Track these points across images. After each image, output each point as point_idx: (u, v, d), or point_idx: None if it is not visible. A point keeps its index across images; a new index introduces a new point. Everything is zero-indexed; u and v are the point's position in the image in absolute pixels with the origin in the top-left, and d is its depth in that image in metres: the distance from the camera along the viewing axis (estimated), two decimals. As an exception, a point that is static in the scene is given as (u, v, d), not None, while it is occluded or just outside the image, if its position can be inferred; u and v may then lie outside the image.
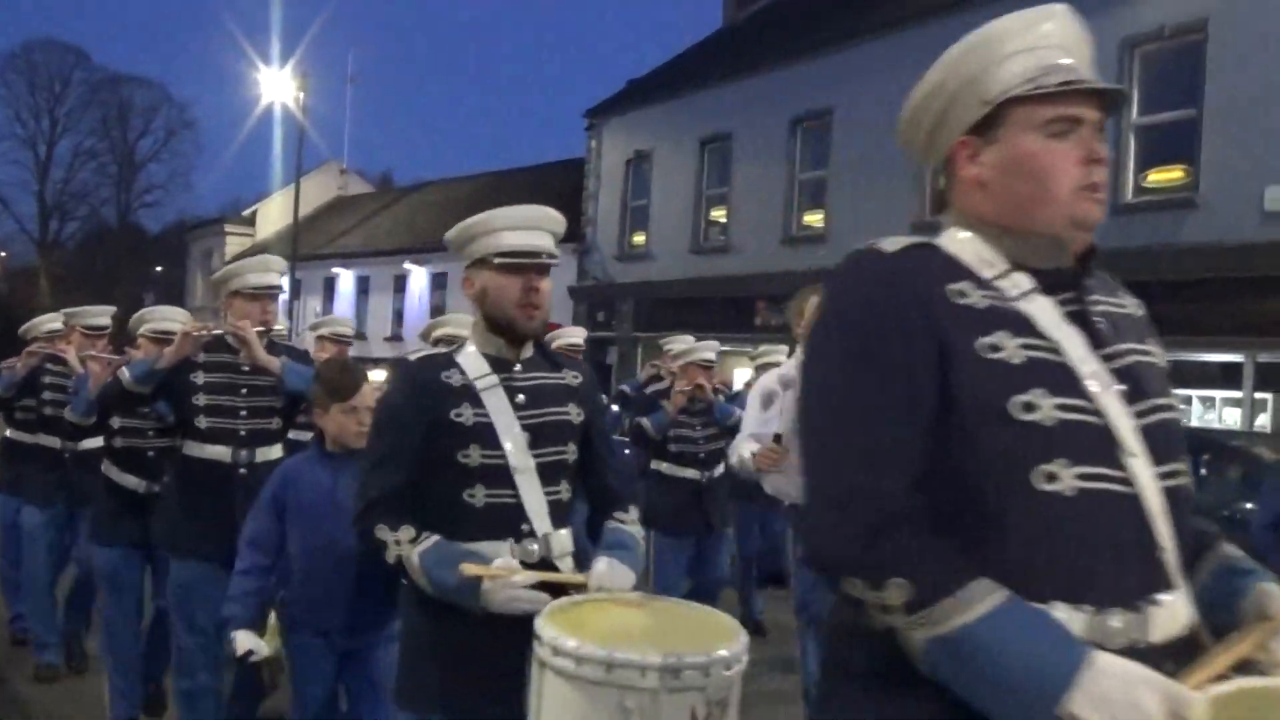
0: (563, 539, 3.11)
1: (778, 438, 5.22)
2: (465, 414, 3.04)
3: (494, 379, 3.12)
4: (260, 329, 5.07)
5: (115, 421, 5.72)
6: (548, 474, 3.10)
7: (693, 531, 7.46)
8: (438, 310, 33.10)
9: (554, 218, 3.27)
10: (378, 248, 37.31)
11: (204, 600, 4.83)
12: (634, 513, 3.34)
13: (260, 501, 4.15)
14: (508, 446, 3.04)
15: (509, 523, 3.03)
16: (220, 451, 5.01)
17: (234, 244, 47.40)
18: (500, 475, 3.03)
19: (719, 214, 23.39)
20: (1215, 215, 14.31)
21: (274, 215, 46.47)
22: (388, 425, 3.08)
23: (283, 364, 5.09)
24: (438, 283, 33.70)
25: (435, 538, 2.96)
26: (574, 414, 3.23)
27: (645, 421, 7.73)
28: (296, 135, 32.92)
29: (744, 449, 5.52)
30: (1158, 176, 15.59)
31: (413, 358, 3.20)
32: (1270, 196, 13.85)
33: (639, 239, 25.19)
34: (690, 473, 7.56)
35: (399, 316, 35.75)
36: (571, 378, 3.29)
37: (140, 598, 5.95)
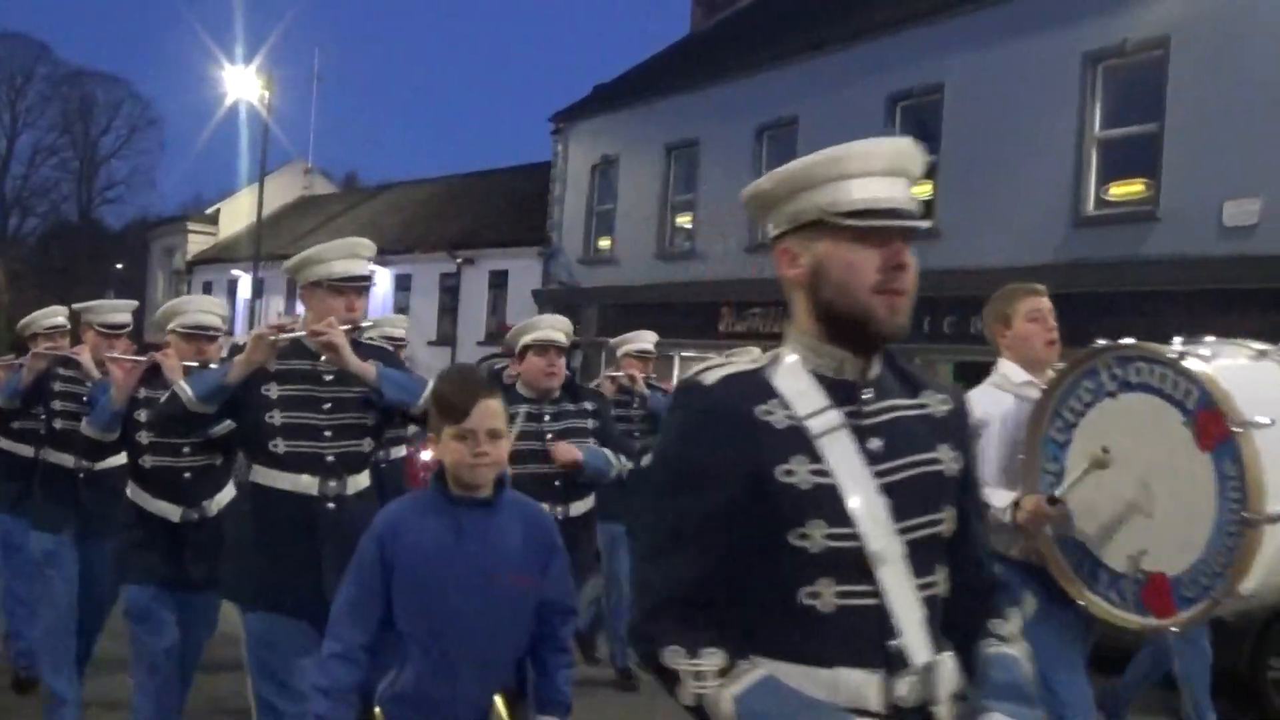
0: (948, 669, 2.02)
1: (1053, 499, 4.09)
2: (798, 472, 1.96)
3: (836, 415, 2.02)
4: (347, 327, 4.22)
5: (143, 437, 4.93)
6: (920, 558, 2.01)
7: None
8: (402, 312, 33.01)
9: (915, 157, 2.08)
10: (342, 249, 37.04)
11: (291, 661, 4.03)
12: (1016, 620, 2.19)
13: (359, 558, 3.14)
14: (863, 520, 1.96)
15: (868, 641, 1.95)
16: (304, 482, 4.16)
17: (196, 242, 47.11)
18: (854, 565, 1.96)
19: (685, 220, 23.42)
20: (1176, 229, 14.46)
21: (238, 214, 46.17)
22: (679, 487, 1.98)
23: (378, 371, 4.20)
24: (401, 284, 33.58)
25: (760, 673, 1.91)
26: (948, 461, 2.10)
27: None
28: (261, 134, 32.77)
29: (991, 497, 4.17)
30: (1119, 190, 15.74)
31: (711, 378, 2.05)
32: (1229, 211, 14.01)
33: (604, 244, 25.19)
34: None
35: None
36: (938, 402, 2.14)
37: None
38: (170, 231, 49.47)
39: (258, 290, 35.26)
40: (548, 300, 25.53)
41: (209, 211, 49.57)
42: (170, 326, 4.96)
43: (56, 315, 6.71)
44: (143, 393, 5.00)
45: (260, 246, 33.41)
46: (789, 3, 24.18)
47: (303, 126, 55.33)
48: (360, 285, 4.35)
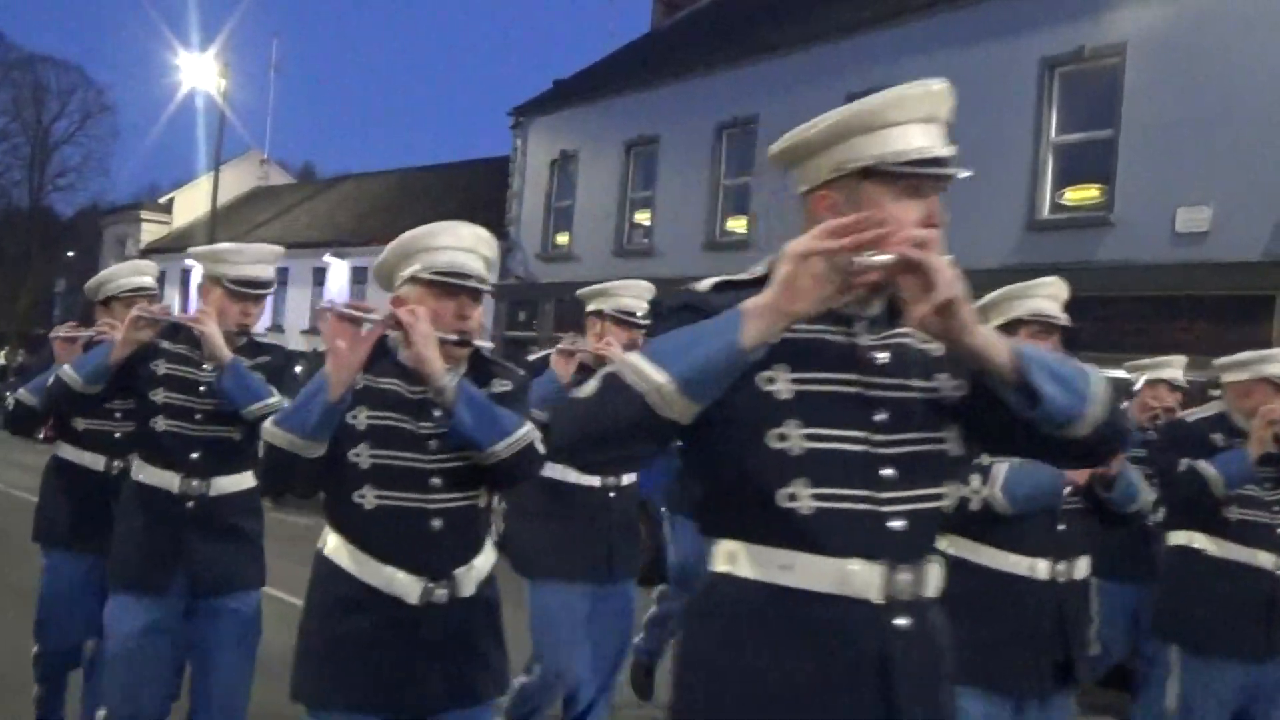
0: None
1: None
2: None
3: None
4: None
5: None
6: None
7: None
8: (357, 305, 32.68)
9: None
10: (297, 239, 36.80)
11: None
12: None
13: None
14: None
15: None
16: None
17: (150, 231, 46.60)
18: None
19: (643, 217, 23.43)
20: (1129, 235, 14.61)
21: (192, 203, 45.73)
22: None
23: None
24: (358, 277, 33.36)
25: None
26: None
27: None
28: (217, 123, 32.46)
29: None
30: (1074, 195, 15.88)
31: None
32: (1182, 218, 14.17)
33: (562, 239, 25.16)
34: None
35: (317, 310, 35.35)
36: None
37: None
38: (123, 219, 48.90)
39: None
40: (505, 296, 25.46)
41: (163, 200, 49.05)
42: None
43: (143, 274, 5.24)
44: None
45: (215, 236, 33.07)
46: (749, 2, 24.23)
47: (260, 116, 54.98)
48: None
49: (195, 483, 4.18)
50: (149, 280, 4.97)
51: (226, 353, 4.03)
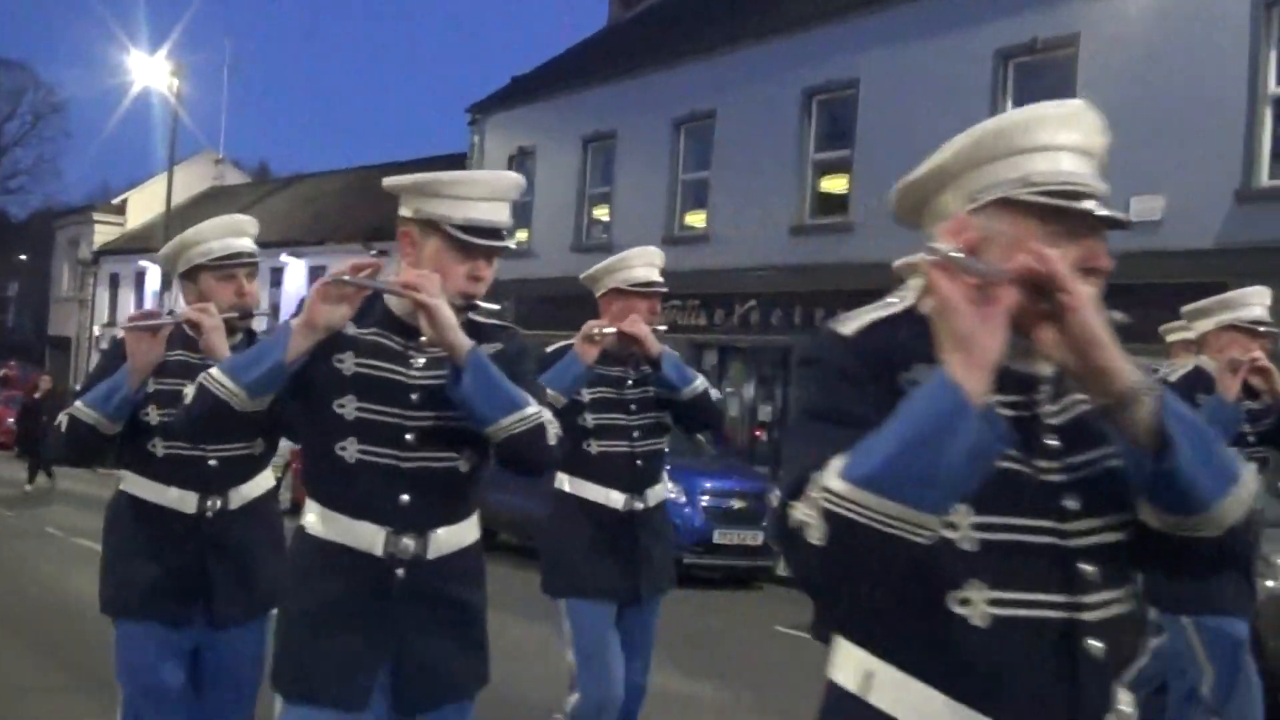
0: None
1: None
2: None
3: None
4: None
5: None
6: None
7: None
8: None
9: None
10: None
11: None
12: None
13: None
14: None
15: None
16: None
17: (103, 233, 46.10)
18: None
19: (601, 213, 23.42)
20: (1083, 224, 14.73)
21: (146, 204, 45.27)
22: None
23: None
24: (315, 275, 33.06)
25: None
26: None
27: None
28: (170, 122, 32.17)
29: None
30: (1029, 185, 15.99)
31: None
32: (1136, 207, 14.30)
33: (521, 236, 25.09)
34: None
35: (275, 310, 35.05)
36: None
37: None
38: (76, 221, 48.35)
39: (166, 282, 34.61)
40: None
41: (116, 201, 48.52)
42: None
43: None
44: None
45: (169, 237, 32.76)
46: (706, -4, 24.27)
47: (214, 115, 54.23)
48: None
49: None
50: (249, 243, 3.81)
51: (463, 344, 2.70)
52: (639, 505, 4.71)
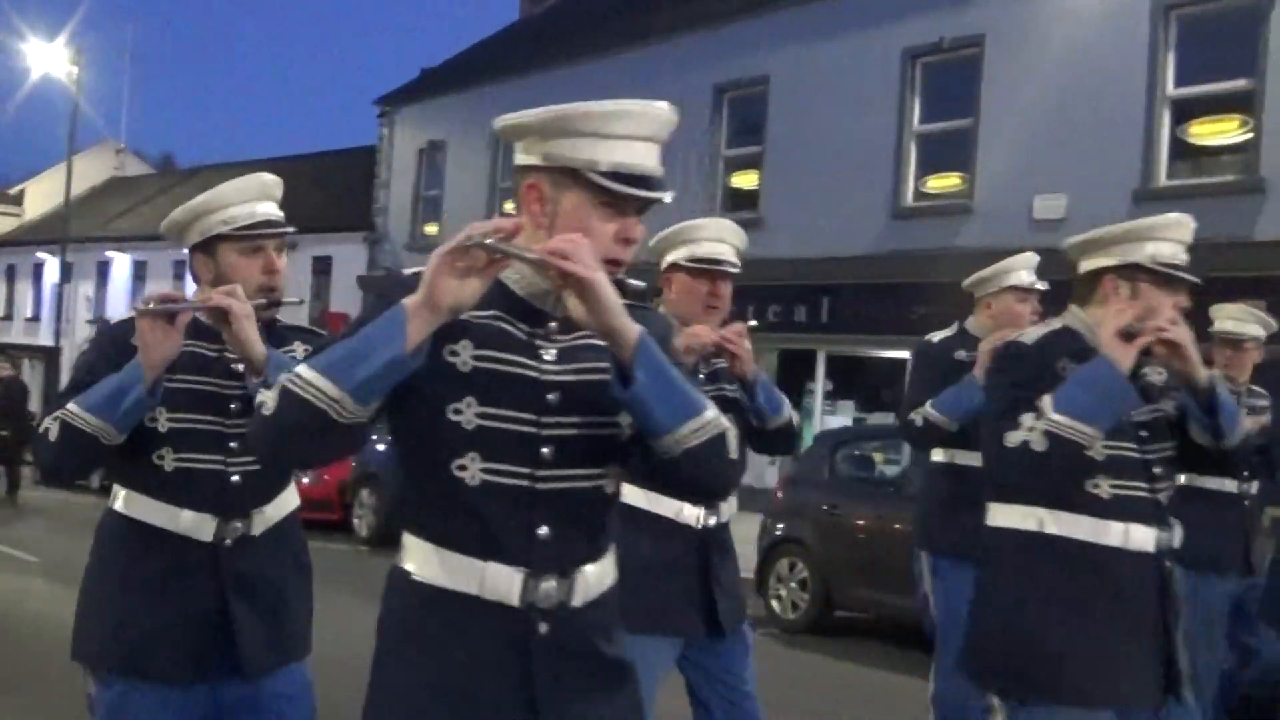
0: None
1: None
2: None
3: None
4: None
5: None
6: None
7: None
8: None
9: None
10: (156, 231, 35.73)
11: None
12: None
13: None
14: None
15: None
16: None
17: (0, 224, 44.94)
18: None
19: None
20: (988, 222, 14.98)
21: (45, 194, 44.25)
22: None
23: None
24: (221, 270, 32.64)
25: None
26: None
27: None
28: (70, 111, 31.43)
29: None
30: (936, 183, 16.25)
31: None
32: (1039, 205, 14.59)
33: (431, 229, 24.91)
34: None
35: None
36: None
37: None
38: (-29, 212, 47.10)
39: (66, 275, 33.84)
40: (373, 287, 25.14)
41: (13, 192, 47.36)
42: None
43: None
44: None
45: (68, 229, 32.06)
46: (618, -9, 24.27)
47: (115, 104, 53.21)
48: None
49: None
50: (274, 209, 3.18)
51: (630, 329, 2.09)
52: (712, 521, 3.92)
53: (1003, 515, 3.19)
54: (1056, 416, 2.94)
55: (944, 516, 5.11)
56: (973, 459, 4.69)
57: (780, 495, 11.06)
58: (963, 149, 15.54)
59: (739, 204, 18.79)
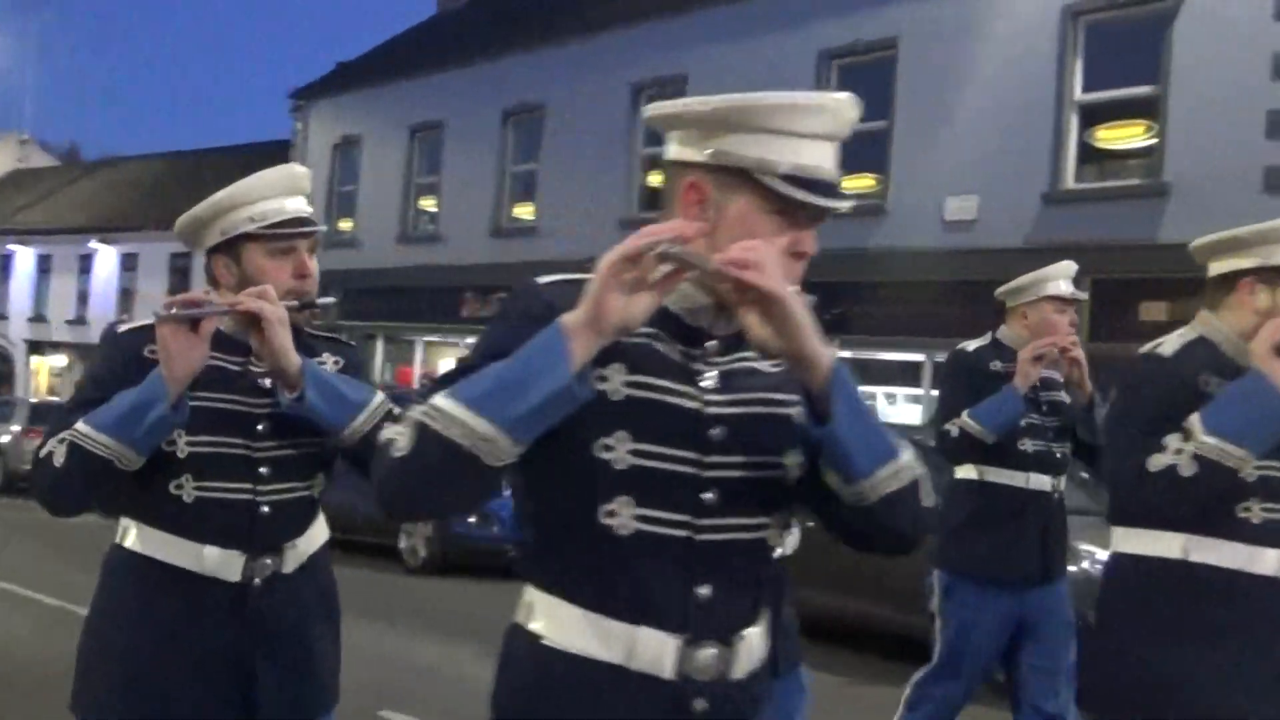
0: None
1: None
2: None
3: None
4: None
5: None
6: None
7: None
8: (127, 294, 31.52)
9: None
10: (61, 225, 35.08)
11: None
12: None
13: None
14: None
15: None
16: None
17: (-103, 215, 43.68)
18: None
19: (429, 203, 23.15)
20: (902, 222, 15.18)
21: (-56, 186, 43.05)
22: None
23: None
24: (127, 264, 32.04)
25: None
26: None
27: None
28: (-29, 101, 30.61)
29: None
30: (851, 184, 16.40)
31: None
32: (951, 207, 14.81)
33: (346, 225, 24.65)
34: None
35: (83, 299, 33.76)
36: None
37: None
38: None
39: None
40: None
41: (-89, 182, 46.04)
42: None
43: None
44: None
45: (-30, 221, 31.23)
46: (535, -12, 24.21)
47: (19, 95, 51.93)
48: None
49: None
50: (305, 204, 2.87)
51: (825, 356, 1.88)
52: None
53: (1135, 541, 2.96)
54: (1207, 439, 2.72)
55: (966, 536, 4.81)
56: (1004, 476, 4.73)
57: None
58: (877, 150, 15.71)
59: (657, 202, 18.77)
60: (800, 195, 1.80)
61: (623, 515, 1.76)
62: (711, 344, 1.84)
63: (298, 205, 2.79)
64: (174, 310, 2.50)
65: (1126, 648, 2.93)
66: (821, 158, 1.83)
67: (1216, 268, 3.06)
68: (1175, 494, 2.75)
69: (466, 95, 21.78)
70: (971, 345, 5.04)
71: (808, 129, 1.83)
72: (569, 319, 1.67)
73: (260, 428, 2.68)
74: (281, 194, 2.78)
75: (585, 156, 19.30)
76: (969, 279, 14.31)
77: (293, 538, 2.75)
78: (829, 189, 1.84)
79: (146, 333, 2.59)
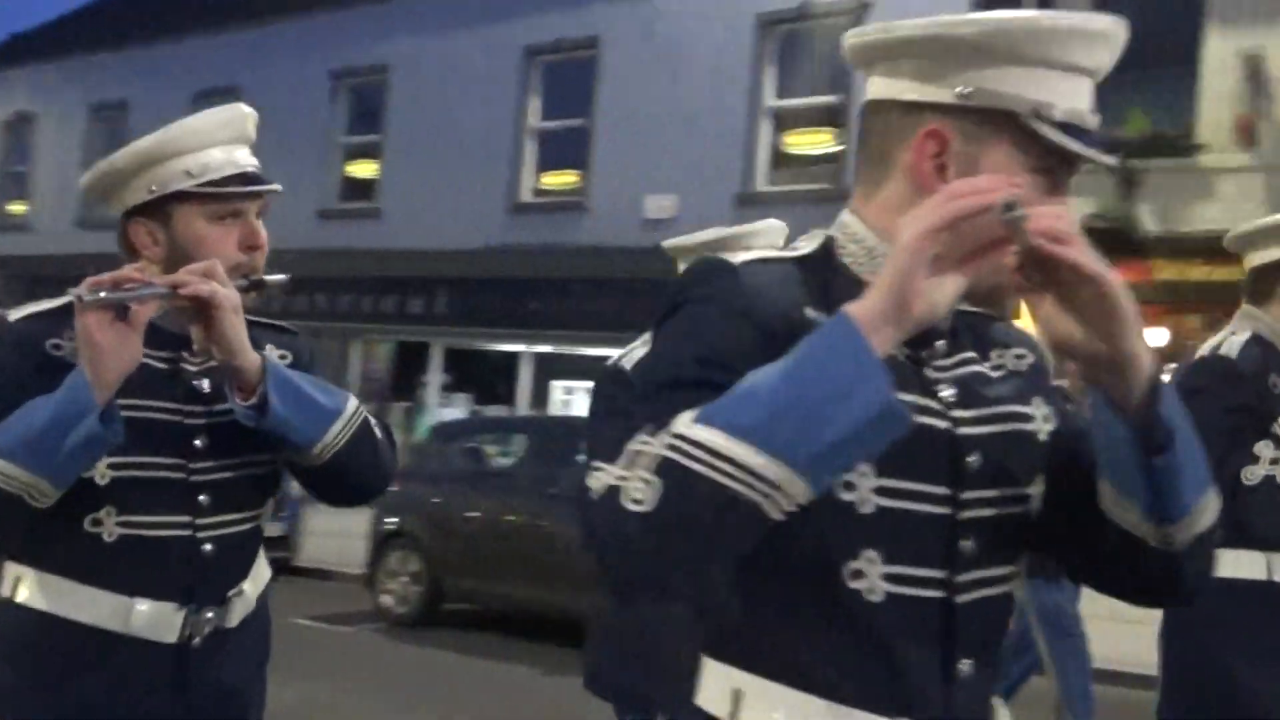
0: None
1: None
2: None
3: None
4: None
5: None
6: None
7: None
8: None
9: None
10: None
11: None
12: None
13: None
14: None
15: None
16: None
17: None
18: None
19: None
20: (602, 219, 15.42)
21: None
22: None
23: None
24: None
25: None
26: None
27: None
28: None
29: None
30: (552, 180, 16.57)
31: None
32: (650, 205, 15.15)
33: (17, 208, 23.09)
34: None
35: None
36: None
37: None
38: None
39: None
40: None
41: None
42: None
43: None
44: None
45: None
46: (230, -34, 23.31)
47: None
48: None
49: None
50: (248, 155, 2.25)
51: (1149, 356, 1.71)
52: None
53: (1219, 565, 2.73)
54: None
55: None
56: None
57: (393, 489, 10.96)
58: (579, 147, 15.92)
59: (356, 193, 18.46)
60: (1077, 147, 1.38)
61: (871, 575, 1.34)
62: (940, 343, 1.43)
63: (247, 158, 2.21)
64: (102, 293, 1.89)
65: (1223, 679, 2.71)
66: (1089, 100, 1.41)
67: (1253, 260, 2.84)
68: (1275, 506, 2.51)
69: (153, 75, 20.73)
70: None
71: (1085, 61, 1.40)
72: (860, 310, 1.22)
73: (198, 443, 2.10)
74: (229, 141, 2.20)
75: (283, 144, 18.59)
76: (668, 277, 14.72)
77: (238, 582, 2.16)
78: (1097, 142, 1.44)
79: (50, 321, 2.03)
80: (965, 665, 1.38)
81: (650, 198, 15.14)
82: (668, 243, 3.28)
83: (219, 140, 2.18)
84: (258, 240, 2.15)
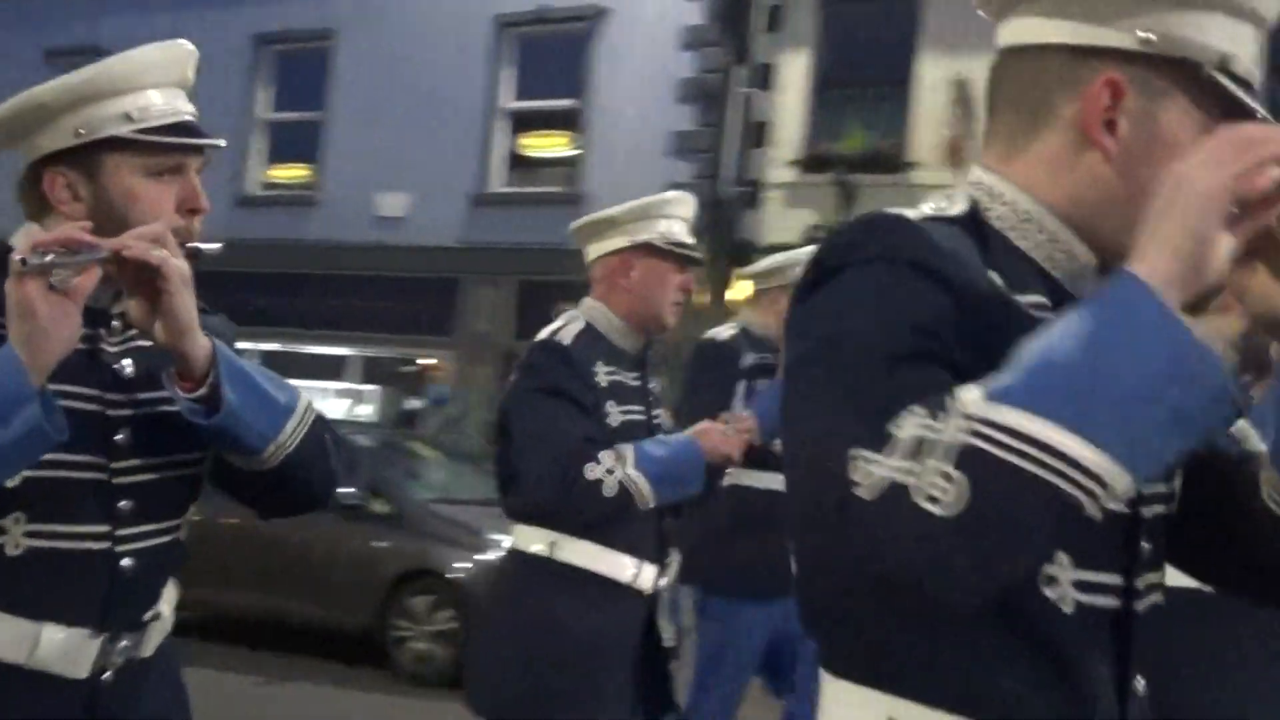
0: None
1: None
2: None
3: None
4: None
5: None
6: None
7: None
8: None
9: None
10: None
11: None
12: None
13: None
14: None
15: None
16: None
17: None
18: None
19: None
20: (334, 215, 15.10)
21: None
22: None
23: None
24: None
25: None
26: None
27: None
28: None
29: None
30: (282, 173, 16.13)
31: None
32: (382, 202, 14.94)
33: None
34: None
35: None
36: None
37: None
38: None
39: None
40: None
41: None
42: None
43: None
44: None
45: None
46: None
47: None
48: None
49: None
50: (188, 103, 1.96)
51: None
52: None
53: None
54: None
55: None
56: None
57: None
58: (311, 140, 15.56)
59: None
60: (1252, 104, 1.18)
61: (1064, 582, 1.16)
62: None
63: (186, 105, 1.92)
64: (49, 256, 1.56)
65: None
66: (1258, 54, 1.23)
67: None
68: None
69: (3, 31, 19.11)
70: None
71: (1265, 9, 1.21)
72: (1146, 270, 1.03)
73: (120, 438, 1.79)
74: (172, 83, 1.91)
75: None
76: (399, 275, 14.54)
77: (156, 604, 1.85)
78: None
79: None
80: (1140, 684, 1.26)
81: (382, 195, 14.93)
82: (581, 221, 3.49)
83: (164, 81, 1.89)
84: (199, 203, 1.88)
